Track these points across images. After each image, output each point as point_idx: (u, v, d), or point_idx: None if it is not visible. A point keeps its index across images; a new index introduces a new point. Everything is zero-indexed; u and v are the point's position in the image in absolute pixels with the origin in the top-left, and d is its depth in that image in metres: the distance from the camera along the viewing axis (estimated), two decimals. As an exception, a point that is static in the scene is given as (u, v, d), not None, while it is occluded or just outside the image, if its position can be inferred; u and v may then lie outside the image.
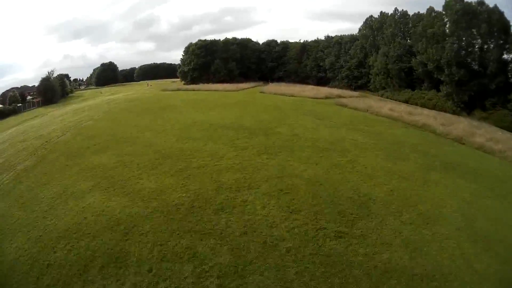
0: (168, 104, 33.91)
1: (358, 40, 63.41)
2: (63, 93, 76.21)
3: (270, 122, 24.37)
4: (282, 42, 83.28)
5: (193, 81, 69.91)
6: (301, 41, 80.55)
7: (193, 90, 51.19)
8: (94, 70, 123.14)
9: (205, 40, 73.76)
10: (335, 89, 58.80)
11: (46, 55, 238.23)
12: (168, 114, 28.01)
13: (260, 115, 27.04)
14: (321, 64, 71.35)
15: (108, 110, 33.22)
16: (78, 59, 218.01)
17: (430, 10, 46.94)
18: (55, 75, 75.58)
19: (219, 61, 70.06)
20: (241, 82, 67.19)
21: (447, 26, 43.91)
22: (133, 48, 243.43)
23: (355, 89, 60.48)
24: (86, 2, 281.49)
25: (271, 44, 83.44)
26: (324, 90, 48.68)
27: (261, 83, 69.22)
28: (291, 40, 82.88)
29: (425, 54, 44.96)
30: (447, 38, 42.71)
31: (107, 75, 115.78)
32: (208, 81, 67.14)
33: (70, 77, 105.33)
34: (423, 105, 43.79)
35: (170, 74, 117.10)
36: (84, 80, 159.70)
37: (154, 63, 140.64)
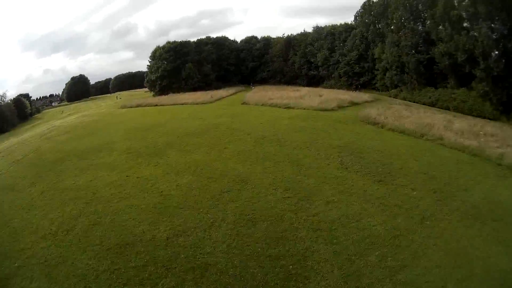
0: (98, 143, 22.48)
1: (356, 29, 52.75)
2: (22, 116, 67.90)
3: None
4: (264, 38, 72.50)
5: (162, 91, 58.02)
6: (285, 35, 69.38)
7: (156, 105, 39.65)
8: (66, 84, 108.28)
9: (174, 41, 61.38)
10: (334, 90, 48.60)
11: (26, 71, 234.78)
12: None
13: (251, 177, 14.92)
14: (311, 60, 60.17)
15: (33, 150, 22.85)
16: (58, 72, 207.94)
17: (451, -14, 36.66)
18: (9, 97, 68.84)
19: (191, 65, 58.04)
20: (219, 88, 56.22)
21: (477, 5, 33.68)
22: (112, 58, 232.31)
23: (357, 89, 50.09)
24: (62, 15, 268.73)
25: (250, 41, 72.58)
26: (326, 94, 37.72)
27: (242, 87, 58.80)
28: (273, 36, 71.94)
29: (452, 42, 34.74)
30: (479, 21, 32.59)
31: (78, 89, 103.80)
32: (179, 89, 55.66)
33: (31, 97, 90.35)
34: (456, 109, 33.70)
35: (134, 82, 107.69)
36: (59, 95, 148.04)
37: (130, 72, 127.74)
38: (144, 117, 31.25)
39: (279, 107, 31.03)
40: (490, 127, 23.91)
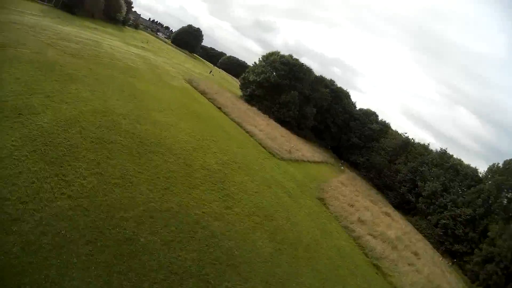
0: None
1: (485, 183, 40.67)
2: (109, 15, 56.74)
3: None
4: (382, 122, 60.26)
5: (250, 98, 48.48)
6: (405, 135, 57.45)
7: (220, 109, 29.80)
8: (182, 29, 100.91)
9: (295, 59, 51.51)
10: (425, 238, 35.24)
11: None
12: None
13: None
14: (418, 182, 46.74)
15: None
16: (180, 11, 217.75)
17: None
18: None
19: (296, 95, 47.70)
20: (307, 138, 45.20)
21: None
22: (239, 40, 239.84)
23: (449, 254, 36.16)
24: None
25: (369, 116, 60.74)
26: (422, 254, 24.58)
27: (330, 157, 47.32)
28: (390, 123, 61.27)
29: None
30: None
31: (188, 39, 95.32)
32: (266, 109, 45.63)
33: (130, 0, 66.70)
34: None
35: (242, 71, 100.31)
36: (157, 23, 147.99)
37: (237, 58, 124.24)
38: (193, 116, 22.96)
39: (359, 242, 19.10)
40: None
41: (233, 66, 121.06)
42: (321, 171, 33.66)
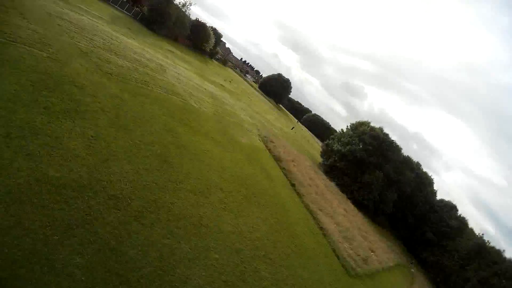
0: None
1: None
2: (195, 44, 54.58)
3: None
4: (461, 218, 50.23)
5: (330, 170, 41.48)
6: (480, 235, 47.20)
7: (301, 196, 22.87)
8: (270, 77, 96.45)
9: (386, 134, 43.90)
10: None
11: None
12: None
13: None
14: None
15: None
16: (273, 57, 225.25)
17: None
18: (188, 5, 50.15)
19: (381, 176, 39.68)
20: (381, 225, 36.86)
21: None
22: (325, 99, 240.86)
23: None
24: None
25: (448, 207, 50.30)
26: None
27: (403, 257, 38.80)
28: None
29: None
30: None
31: (276, 86, 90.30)
32: (347, 187, 38.66)
33: (220, 33, 64.14)
34: None
35: (323, 132, 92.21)
36: (247, 65, 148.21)
37: (324, 121, 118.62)
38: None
39: None
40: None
41: (317, 125, 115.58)
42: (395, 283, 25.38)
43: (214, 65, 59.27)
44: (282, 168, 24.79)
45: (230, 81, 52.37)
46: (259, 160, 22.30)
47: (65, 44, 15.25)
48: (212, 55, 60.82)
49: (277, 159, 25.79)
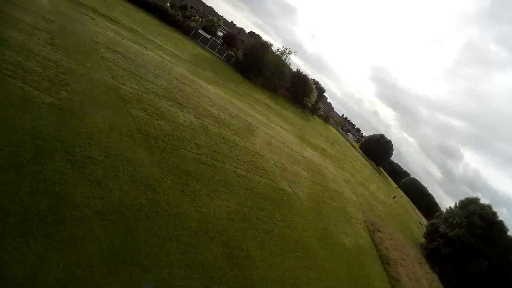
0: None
1: None
2: (296, 97, 50.68)
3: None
4: None
5: (432, 254, 33.38)
6: None
7: None
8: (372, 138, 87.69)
9: (494, 212, 33.74)
10: None
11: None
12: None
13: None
14: None
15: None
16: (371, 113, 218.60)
17: None
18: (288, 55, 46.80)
19: (486, 266, 30.32)
20: None
21: None
22: (422, 159, 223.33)
23: None
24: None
25: None
26: None
27: None
28: None
29: None
30: None
31: (378, 149, 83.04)
32: (448, 279, 30.54)
33: (323, 87, 61.75)
34: None
35: (421, 199, 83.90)
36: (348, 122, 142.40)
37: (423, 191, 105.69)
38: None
39: None
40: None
41: (415, 191, 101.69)
42: None
43: (315, 122, 55.10)
44: (391, 277, 18.97)
45: (332, 143, 47.49)
46: (364, 268, 16.82)
47: (94, 84, 11.24)
48: (313, 110, 57.29)
49: (385, 261, 20.07)
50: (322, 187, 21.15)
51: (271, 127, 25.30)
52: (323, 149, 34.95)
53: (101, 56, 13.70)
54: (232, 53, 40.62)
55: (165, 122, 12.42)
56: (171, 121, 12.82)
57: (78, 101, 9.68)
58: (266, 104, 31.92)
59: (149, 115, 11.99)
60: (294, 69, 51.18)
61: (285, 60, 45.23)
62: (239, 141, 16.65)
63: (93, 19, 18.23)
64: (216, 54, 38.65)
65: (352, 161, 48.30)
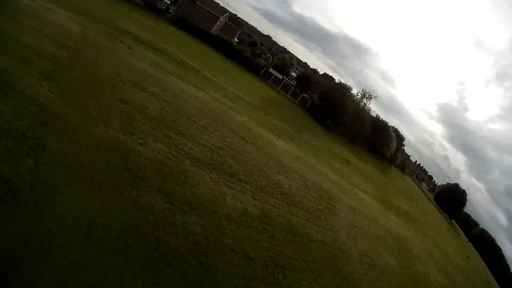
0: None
1: None
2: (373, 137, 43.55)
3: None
4: None
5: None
6: None
7: None
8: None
9: None
10: None
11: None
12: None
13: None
14: None
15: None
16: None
17: None
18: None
19: None
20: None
21: None
22: (489, 206, 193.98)
23: None
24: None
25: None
26: None
27: None
28: None
29: None
30: None
31: (451, 201, 74.42)
32: None
33: (402, 136, 54.36)
34: None
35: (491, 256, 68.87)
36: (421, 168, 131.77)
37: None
38: None
39: None
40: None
41: (486, 244, 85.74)
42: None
43: (393, 175, 47.33)
44: None
45: (411, 199, 39.52)
46: None
47: (90, 144, 6.93)
48: (391, 161, 49.57)
49: None
50: (411, 278, 14.14)
51: (354, 193, 19.21)
52: (406, 211, 28.72)
53: (120, 98, 9.33)
54: (307, 96, 35.64)
55: (199, 215, 7.23)
56: (210, 212, 7.60)
57: (48, 176, 5.35)
58: (346, 159, 25.82)
59: (171, 204, 6.92)
60: (375, 116, 44.69)
61: (365, 105, 39.04)
62: (316, 232, 11.06)
63: (129, 47, 14.32)
64: (289, 97, 34.03)
65: (430, 219, 41.54)
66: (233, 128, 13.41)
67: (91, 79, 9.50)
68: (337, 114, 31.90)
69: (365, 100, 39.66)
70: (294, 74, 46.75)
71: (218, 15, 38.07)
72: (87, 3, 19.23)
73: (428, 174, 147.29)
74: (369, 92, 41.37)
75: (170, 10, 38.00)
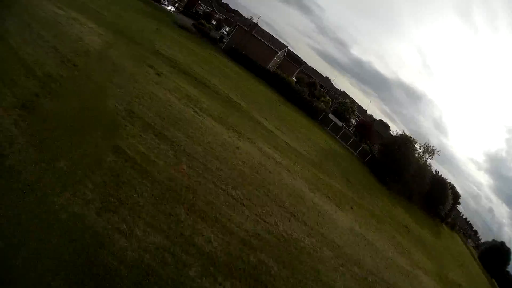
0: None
1: None
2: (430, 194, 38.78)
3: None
4: None
5: None
6: None
7: None
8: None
9: None
10: None
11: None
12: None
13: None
14: None
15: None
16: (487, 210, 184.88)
17: None
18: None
19: None
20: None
21: None
22: None
23: None
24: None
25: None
26: None
27: None
28: None
29: None
30: None
31: (497, 263, 68.02)
32: None
33: (458, 193, 48.97)
34: None
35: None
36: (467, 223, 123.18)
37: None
38: None
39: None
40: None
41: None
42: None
43: (444, 233, 43.00)
44: None
45: (461, 264, 35.53)
46: None
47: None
48: (443, 219, 45.28)
49: None
50: None
51: (414, 276, 16.49)
52: (459, 285, 24.07)
53: (114, 146, 6.86)
54: (367, 147, 33.49)
55: None
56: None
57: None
58: (405, 226, 23.20)
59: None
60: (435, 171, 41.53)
61: (427, 161, 36.07)
62: None
63: (158, 74, 12.20)
64: (348, 147, 31.52)
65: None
66: (280, 197, 10.60)
67: (84, 112, 7.20)
68: (400, 170, 29.36)
69: (427, 155, 36.84)
70: (354, 122, 44.70)
71: (276, 50, 36.28)
72: (127, 20, 17.59)
73: (474, 229, 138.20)
74: (432, 146, 38.52)
75: (224, 40, 36.83)
